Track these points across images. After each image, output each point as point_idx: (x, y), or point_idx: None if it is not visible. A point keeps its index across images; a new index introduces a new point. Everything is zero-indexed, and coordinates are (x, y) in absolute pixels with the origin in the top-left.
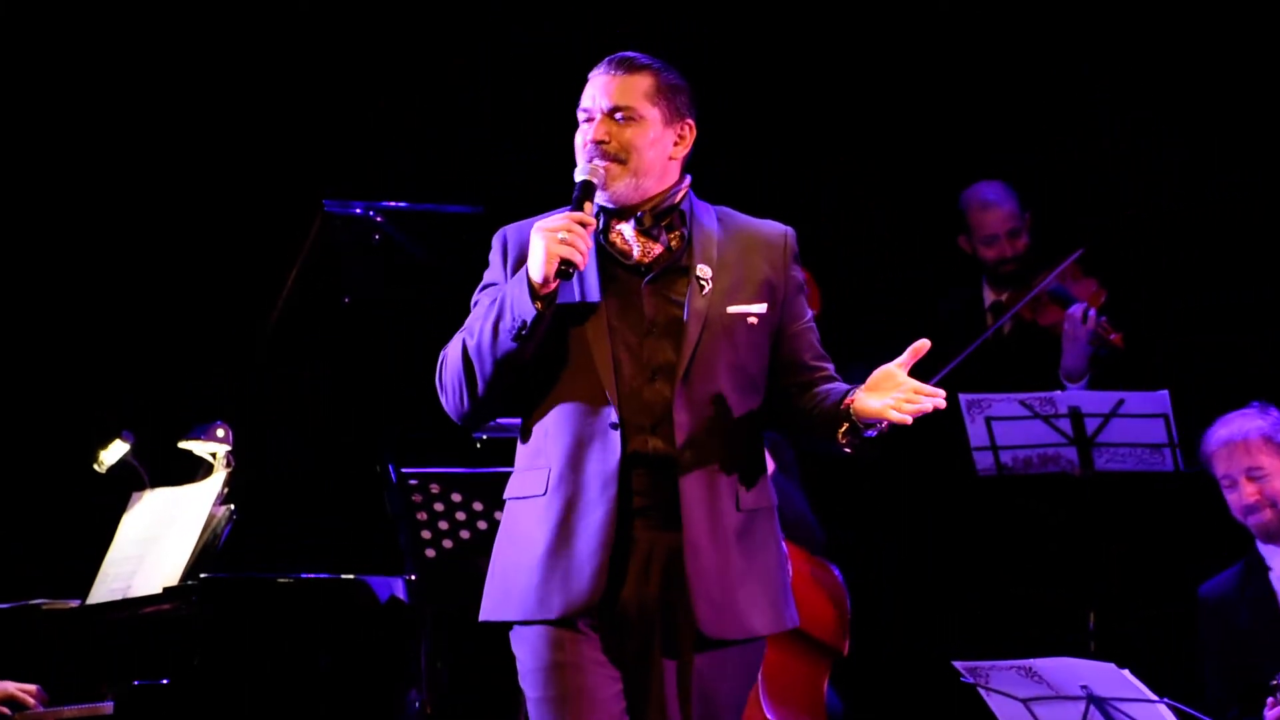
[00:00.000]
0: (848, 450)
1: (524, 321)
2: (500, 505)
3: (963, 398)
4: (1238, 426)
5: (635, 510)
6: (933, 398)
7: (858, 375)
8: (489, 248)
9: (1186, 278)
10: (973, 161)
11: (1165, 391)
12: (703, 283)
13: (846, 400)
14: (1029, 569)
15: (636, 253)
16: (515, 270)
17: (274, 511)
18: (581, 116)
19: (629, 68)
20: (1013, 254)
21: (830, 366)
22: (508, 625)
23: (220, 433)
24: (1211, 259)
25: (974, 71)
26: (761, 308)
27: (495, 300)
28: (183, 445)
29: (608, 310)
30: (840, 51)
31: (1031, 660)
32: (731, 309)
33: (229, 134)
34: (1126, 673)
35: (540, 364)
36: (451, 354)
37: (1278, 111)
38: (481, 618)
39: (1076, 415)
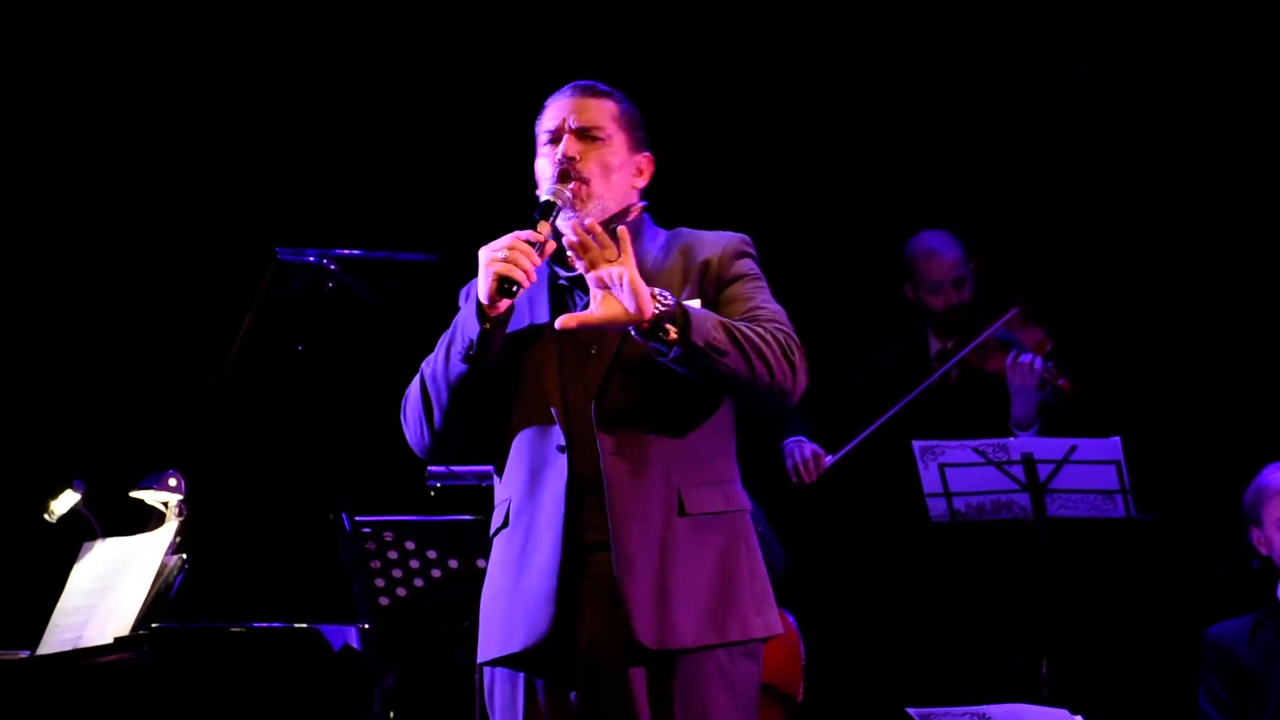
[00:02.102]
0: (671, 362)
1: (471, 341)
2: (453, 552)
3: (916, 444)
4: None
5: (586, 536)
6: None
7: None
8: (444, 295)
9: (1134, 312)
10: (971, 162)
11: (1117, 439)
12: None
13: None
14: (982, 615)
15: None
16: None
17: (227, 560)
18: (544, 138)
19: (594, 92)
20: (958, 301)
21: (761, 315)
22: (466, 669)
23: (172, 482)
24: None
25: (973, 72)
26: (694, 303)
27: (449, 330)
28: (135, 495)
29: (558, 336)
30: (838, 52)
31: (985, 707)
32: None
33: (180, 175)
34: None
35: (500, 394)
36: (413, 387)
37: (1270, 113)
38: (479, 659)
39: (1029, 461)
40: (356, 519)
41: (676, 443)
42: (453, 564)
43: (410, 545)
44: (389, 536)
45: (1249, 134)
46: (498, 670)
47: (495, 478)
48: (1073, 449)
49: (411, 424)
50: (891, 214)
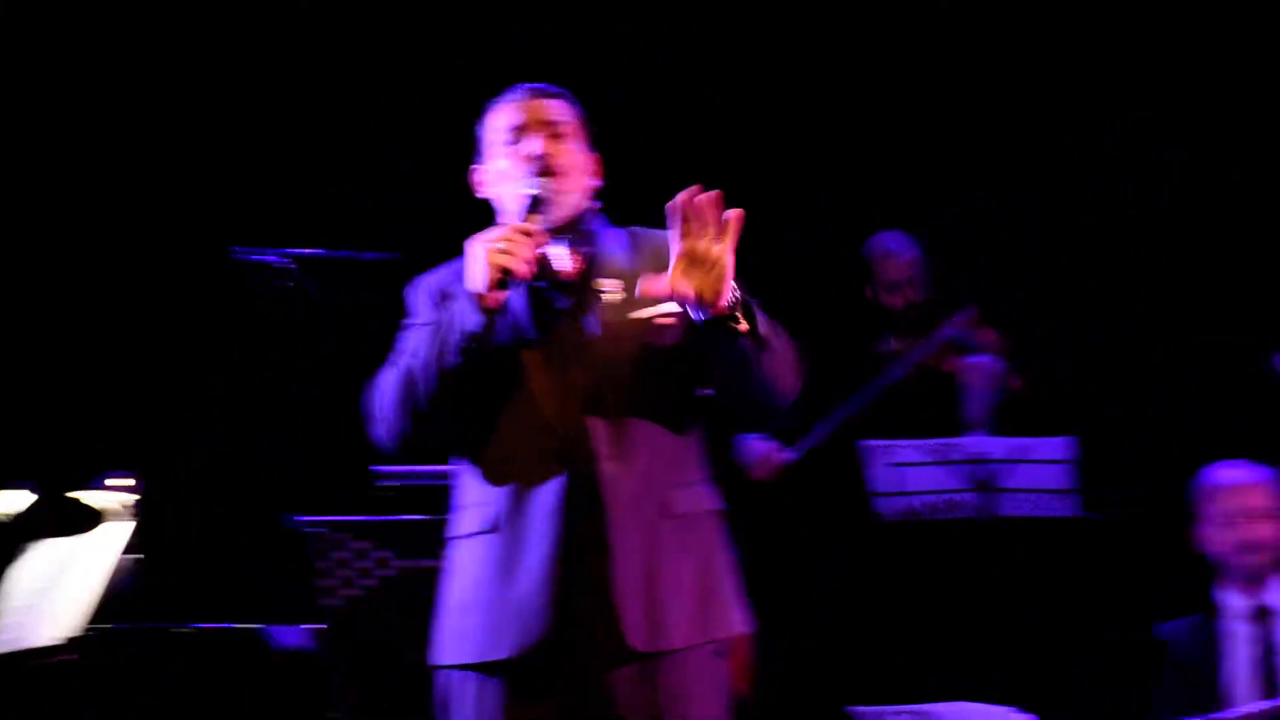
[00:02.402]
0: (723, 344)
1: (470, 333)
2: (405, 553)
3: (868, 444)
4: (1241, 472)
5: (580, 542)
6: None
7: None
8: (402, 294)
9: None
10: (970, 162)
11: (1069, 438)
12: (608, 296)
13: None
14: (929, 613)
15: (568, 268)
16: (444, 304)
17: (178, 561)
18: (503, 138)
19: (553, 94)
20: (913, 300)
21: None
22: (420, 670)
23: (125, 482)
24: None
25: (971, 73)
26: (671, 305)
27: (438, 322)
28: (86, 495)
29: (545, 341)
30: (835, 53)
31: (930, 705)
32: (639, 314)
33: (136, 177)
34: (1026, 717)
35: (480, 395)
36: (387, 379)
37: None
38: (434, 661)
39: (981, 461)
40: (308, 519)
41: (663, 445)
42: (404, 564)
43: (363, 545)
44: (341, 537)
45: (1233, 135)
46: (464, 674)
47: (469, 478)
48: (1024, 448)
49: (385, 418)
50: (857, 215)
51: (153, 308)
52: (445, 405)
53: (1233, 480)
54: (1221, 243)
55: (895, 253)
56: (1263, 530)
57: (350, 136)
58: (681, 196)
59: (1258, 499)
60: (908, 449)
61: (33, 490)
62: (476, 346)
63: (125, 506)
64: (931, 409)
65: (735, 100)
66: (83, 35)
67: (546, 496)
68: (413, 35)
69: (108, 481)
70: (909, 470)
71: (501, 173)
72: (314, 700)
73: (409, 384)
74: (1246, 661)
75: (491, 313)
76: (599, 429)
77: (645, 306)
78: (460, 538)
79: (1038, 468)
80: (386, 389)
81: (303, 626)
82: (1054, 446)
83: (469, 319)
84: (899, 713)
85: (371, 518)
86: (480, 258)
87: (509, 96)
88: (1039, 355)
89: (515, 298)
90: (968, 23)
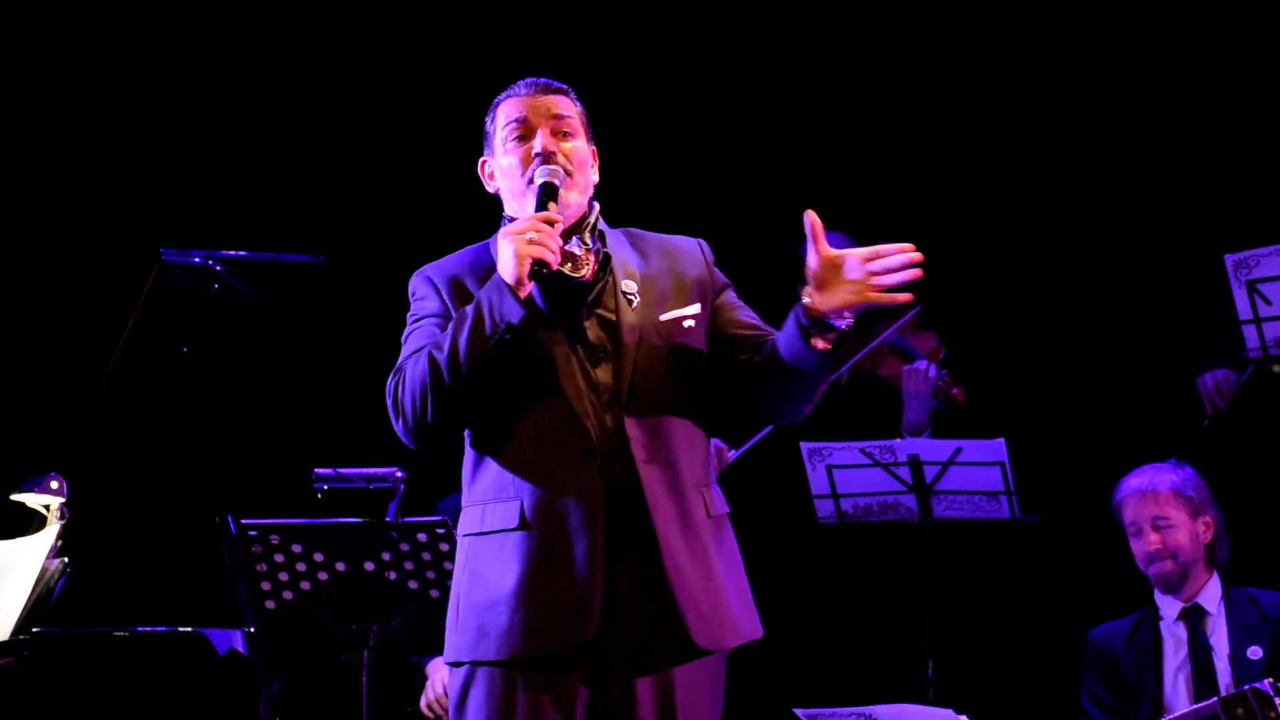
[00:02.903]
0: (827, 356)
1: (509, 324)
2: (340, 555)
3: (804, 446)
4: (1150, 477)
5: (614, 541)
6: (899, 254)
7: None
8: (329, 297)
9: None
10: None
11: (1002, 440)
12: (630, 297)
13: (801, 312)
14: (868, 616)
15: (587, 271)
16: (454, 299)
17: (109, 564)
18: (509, 133)
19: (555, 89)
20: None
21: (772, 331)
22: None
23: (54, 484)
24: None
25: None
26: (695, 308)
27: (466, 313)
28: (15, 498)
29: (569, 336)
30: (792, 53)
31: (871, 707)
32: (665, 316)
33: (62, 180)
34: (964, 719)
35: (501, 385)
36: (414, 371)
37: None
38: (452, 658)
39: (916, 463)
40: (242, 521)
41: (693, 445)
42: (340, 567)
43: (297, 548)
44: (275, 539)
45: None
46: (488, 671)
47: (474, 475)
48: (958, 450)
49: (411, 409)
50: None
51: (81, 309)
52: (473, 398)
53: (1133, 489)
54: (1153, 243)
55: None
56: (1155, 541)
57: (281, 140)
58: (813, 214)
59: (1152, 508)
60: (842, 450)
61: None
62: (512, 338)
63: (54, 509)
64: (866, 412)
65: (684, 98)
66: (14, 39)
67: (582, 494)
68: (341, 39)
69: (38, 484)
70: (843, 472)
71: (507, 169)
72: (248, 703)
73: (437, 377)
74: (1180, 661)
75: (529, 303)
76: (631, 429)
77: (662, 302)
78: (479, 534)
79: (972, 470)
80: (414, 380)
81: (236, 630)
82: (987, 448)
83: (510, 310)
84: (843, 714)
85: (308, 520)
86: (510, 250)
87: (514, 91)
88: (975, 357)
89: (537, 296)
90: (964, 24)
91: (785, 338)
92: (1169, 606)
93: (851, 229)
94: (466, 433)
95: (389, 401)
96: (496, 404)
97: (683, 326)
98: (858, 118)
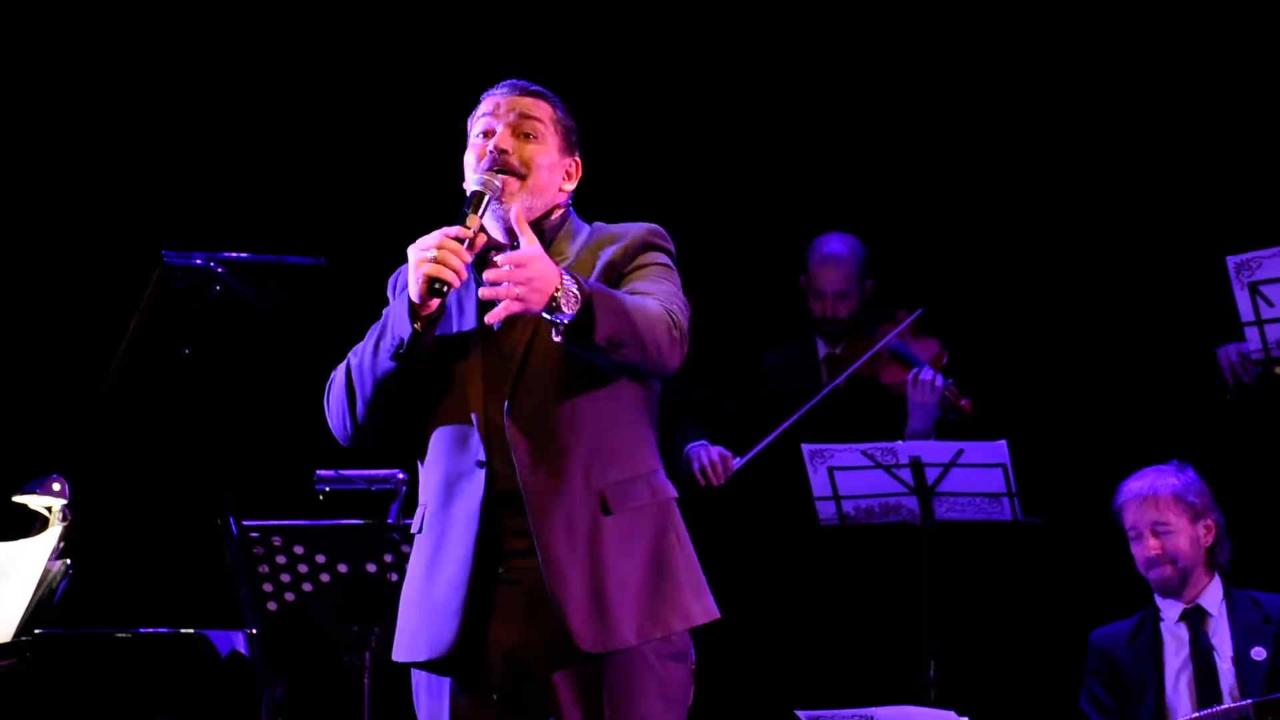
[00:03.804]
0: (579, 346)
1: (401, 340)
2: (342, 557)
3: (805, 448)
4: (1151, 481)
5: (502, 547)
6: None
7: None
8: (331, 299)
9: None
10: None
11: (1003, 442)
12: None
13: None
14: (869, 618)
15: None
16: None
17: (112, 566)
18: (477, 129)
19: (532, 91)
20: (833, 315)
21: (649, 297)
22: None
23: (56, 486)
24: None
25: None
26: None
27: (375, 326)
28: (17, 499)
29: (482, 341)
30: (790, 51)
31: (872, 709)
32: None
33: (64, 182)
34: None
35: (421, 394)
36: (338, 375)
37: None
38: (393, 658)
39: (917, 465)
40: (244, 523)
41: (594, 442)
42: (342, 568)
43: (299, 550)
44: (277, 541)
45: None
46: (422, 671)
47: (420, 472)
48: (959, 452)
49: (335, 412)
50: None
51: (82, 310)
52: (381, 408)
53: (1134, 493)
54: (1154, 245)
55: (833, 263)
56: (1154, 546)
57: (283, 142)
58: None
59: (1152, 514)
60: (844, 453)
61: None
62: (408, 353)
63: (56, 511)
64: (866, 418)
65: (686, 93)
66: (13, 41)
67: (467, 499)
68: (336, 43)
69: (40, 485)
70: (845, 474)
71: (469, 164)
72: (250, 705)
73: (349, 385)
74: (1182, 662)
75: (425, 320)
76: (524, 433)
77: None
78: (415, 534)
79: (974, 471)
80: (336, 386)
81: (238, 631)
82: (989, 450)
83: (401, 326)
84: (844, 716)
85: (309, 522)
86: (412, 266)
87: (490, 91)
88: (976, 360)
89: (465, 294)
90: (922, 31)
91: None
92: (1170, 608)
93: (854, 232)
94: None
95: (324, 401)
96: (416, 411)
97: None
98: (860, 121)
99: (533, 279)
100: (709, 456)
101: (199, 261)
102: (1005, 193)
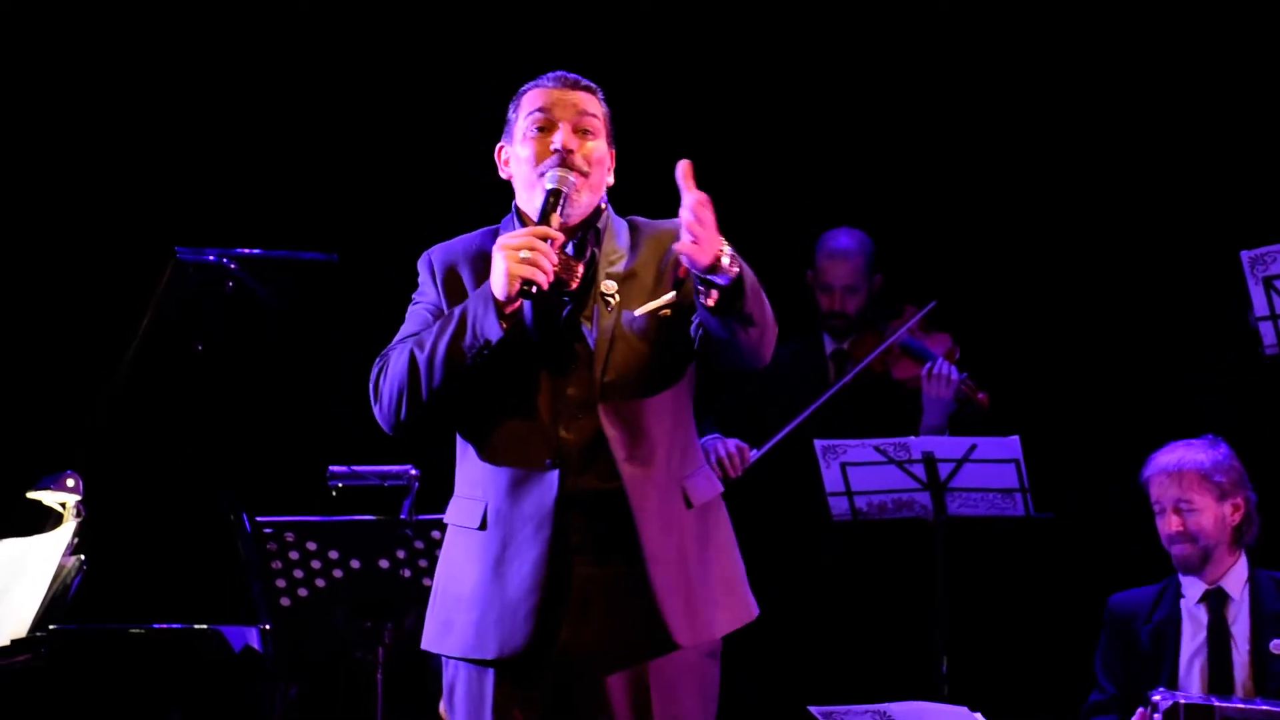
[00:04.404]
0: (719, 311)
1: (488, 340)
2: (355, 553)
3: (818, 443)
4: (1179, 456)
5: (573, 548)
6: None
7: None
8: (343, 295)
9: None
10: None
11: (1016, 437)
12: (608, 299)
13: (681, 270)
14: (882, 614)
15: (575, 280)
16: (445, 288)
17: (125, 561)
18: (535, 121)
19: (584, 86)
20: (840, 310)
21: None
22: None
23: (70, 482)
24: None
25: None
26: (670, 295)
27: (453, 315)
28: (31, 495)
29: (542, 340)
30: (799, 46)
31: (885, 705)
32: (639, 311)
33: (77, 178)
34: (979, 716)
35: (484, 389)
36: (396, 364)
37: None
38: (423, 646)
39: (930, 460)
40: (257, 519)
41: (672, 436)
42: (355, 564)
43: (312, 546)
44: (290, 537)
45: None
46: (463, 664)
47: (460, 464)
48: (972, 447)
49: (389, 401)
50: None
51: (95, 306)
52: (447, 402)
53: (1160, 467)
54: (1167, 239)
55: (841, 258)
56: (1176, 524)
57: (295, 138)
58: (685, 163)
59: (1176, 490)
60: (857, 448)
61: None
62: (490, 354)
63: (70, 507)
64: (876, 413)
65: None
66: (17, 39)
67: (538, 499)
68: (349, 39)
69: (54, 481)
70: (858, 470)
71: (524, 159)
72: (263, 700)
73: (413, 375)
74: (1198, 646)
75: (510, 319)
76: (609, 430)
77: (640, 296)
78: (455, 526)
79: (987, 467)
80: (394, 374)
81: (252, 627)
82: (1002, 446)
83: (489, 327)
84: (857, 712)
85: (322, 518)
86: (502, 266)
87: (541, 82)
88: (987, 354)
89: (526, 305)
90: (934, 24)
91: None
92: (1191, 586)
93: (865, 226)
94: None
95: (370, 386)
96: (473, 405)
97: (659, 317)
98: (871, 115)
99: (713, 232)
100: (726, 448)
101: (211, 258)
102: (1012, 187)
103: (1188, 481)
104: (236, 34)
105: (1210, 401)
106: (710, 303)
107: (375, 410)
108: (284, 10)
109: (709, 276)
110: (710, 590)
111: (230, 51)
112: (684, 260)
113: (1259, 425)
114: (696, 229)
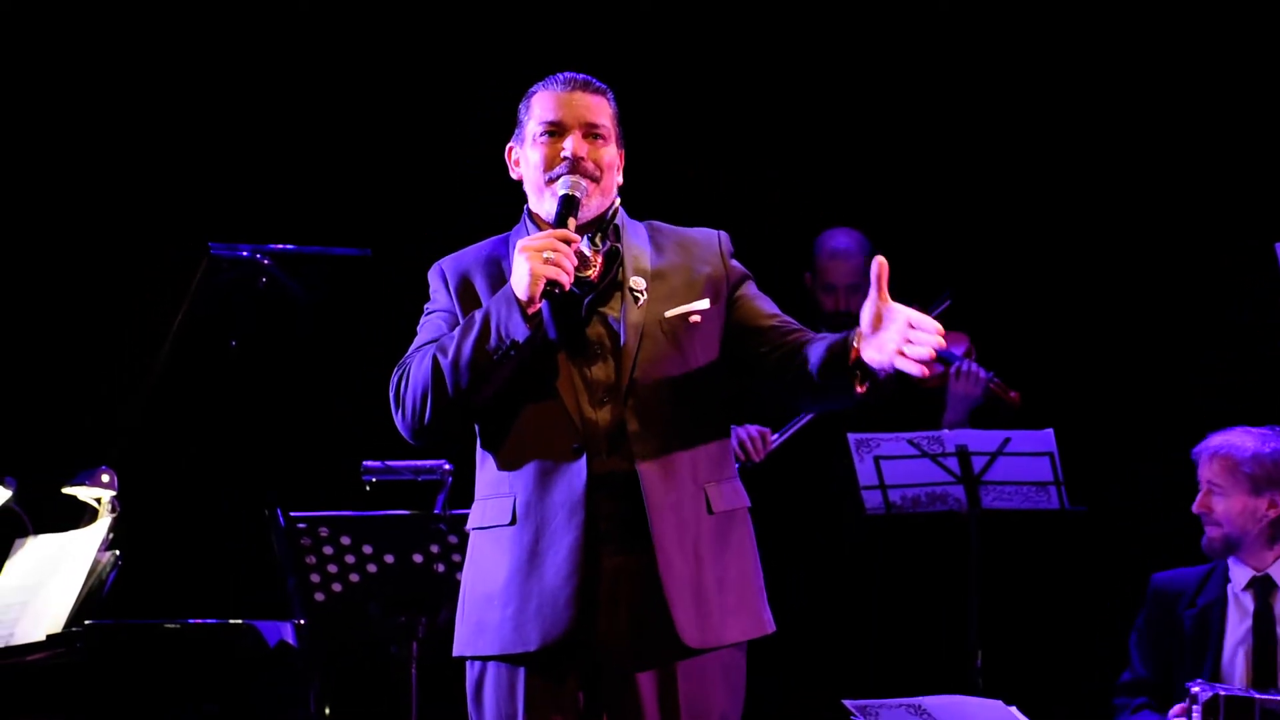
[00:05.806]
0: (867, 399)
1: (514, 341)
2: (389, 548)
3: (851, 437)
4: (1226, 439)
5: (602, 535)
6: (929, 331)
7: None
8: (376, 290)
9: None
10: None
11: (1050, 430)
12: (636, 294)
13: (852, 353)
14: (917, 607)
15: (593, 271)
16: (459, 296)
17: (160, 557)
18: (541, 128)
19: (594, 89)
20: (846, 309)
21: (797, 324)
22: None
23: (105, 478)
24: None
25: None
26: (703, 304)
27: (474, 319)
28: (67, 491)
29: (563, 338)
30: (807, 45)
31: (921, 698)
32: (670, 313)
33: (111, 173)
34: (1014, 709)
35: (504, 391)
36: (418, 370)
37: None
38: (456, 653)
39: (964, 453)
40: (291, 514)
41: (696, 439)
42: (389, 559)
43: (346, 540)
44: (324, 532)
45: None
46: (491, 665)
47: (480, 470)
48: (1006, 441)
49: (411, 406)
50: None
51: (129, 302)
52: (471, 403)
53: (1208, 447)
54: (1200, 231)
55: (843, 255)
56: (1202, 504)
57: (329, 133)
58: (881, 261)
59: (1208, 472)
60: (890, 441)
61: (15, 487)
62: (518, 355)
63: (105, 503)
64: (897, 412)
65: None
66: (53, 34)
67: (568, 486)
68: (381, 33)
69: (89, 477)
70: (891, 463)
71: (534, 165)
72: (296, 695)
73: (439, 380)
74: (1243, 634)
75: (534, 320)
76: (631, 424)
77: (670, 298)
78: (480, 529)
79: (1021, 460)
80: (417, 380)
81: (286, 622)
82: (1036, 439)
83: (516, 328)
84: (892, 705)
85: (356, 513)
86: (526, 268)
87: (551, 84)
88: (1006, 350)
89: (544, 305)
90: (949, 19)
91: (824, 366)
92: (1239, 571)
93: (879, 227)
94: (476, 426)
95: (391, 394)
96: (499, 404)
97: (689, 322)
98: (884, 113)
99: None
100: (747, 432)
101: (245, 253)
102: (1014, 187)
103: (1222, 465)
104: (270, 30)
105: (1210, 403)
106: (861, 390)
107: (396, 417)
108: (321, 6)
109: (874, 368)
110: (724, 596)
111: (265, 49)
112: (902, 366)
113: None
114: (925, 337)
